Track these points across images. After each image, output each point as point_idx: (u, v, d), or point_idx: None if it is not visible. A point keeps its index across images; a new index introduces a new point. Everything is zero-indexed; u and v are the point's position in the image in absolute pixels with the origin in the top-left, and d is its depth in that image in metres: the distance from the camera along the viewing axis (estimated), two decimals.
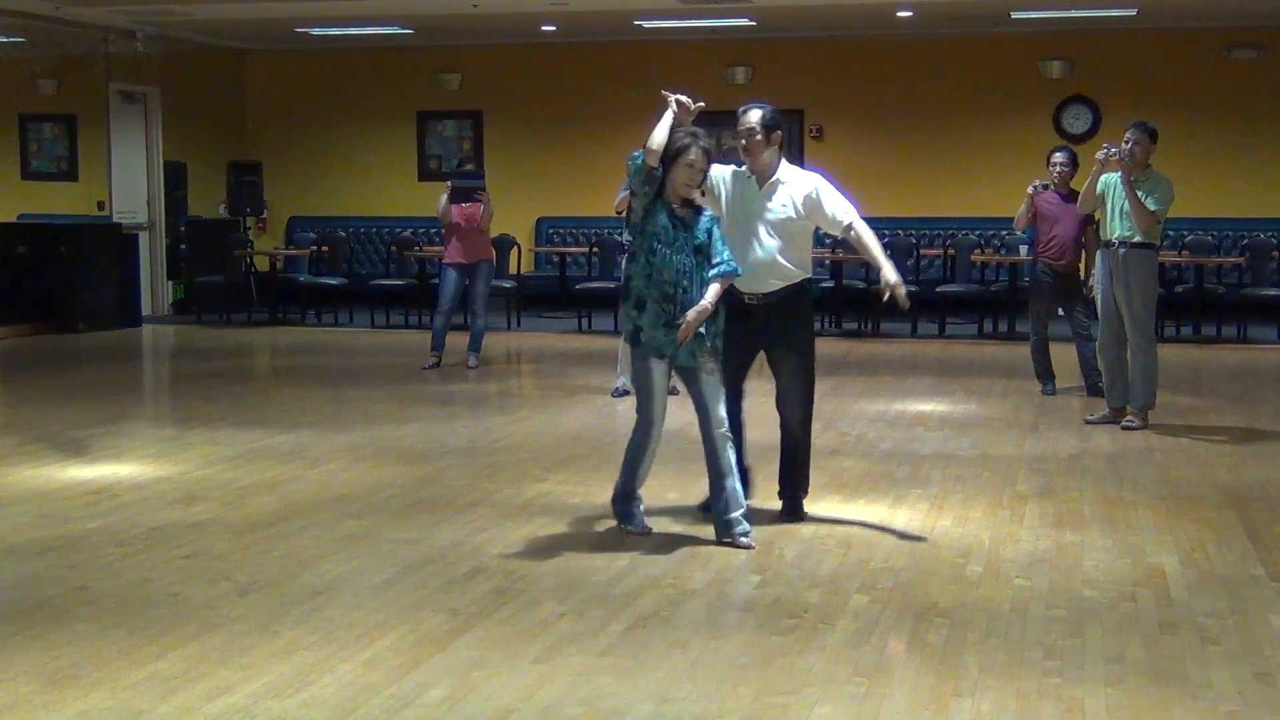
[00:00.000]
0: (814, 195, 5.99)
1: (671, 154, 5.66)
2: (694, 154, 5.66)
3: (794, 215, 5.97)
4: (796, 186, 6.01)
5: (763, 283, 5.96)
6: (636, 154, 5.68)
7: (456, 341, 11.57)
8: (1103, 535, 5.94)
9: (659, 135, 5.64)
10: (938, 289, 14.23)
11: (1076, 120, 15.41)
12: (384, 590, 5.10)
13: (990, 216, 14.74)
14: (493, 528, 6.02)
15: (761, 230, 5.97)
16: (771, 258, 5.95)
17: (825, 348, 12.89)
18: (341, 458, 7.60)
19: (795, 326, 6.07)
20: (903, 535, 5.93)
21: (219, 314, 15.34)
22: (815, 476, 6.67)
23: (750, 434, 8.32)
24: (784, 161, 6.14)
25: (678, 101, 5.78)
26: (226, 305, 15.39)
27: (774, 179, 6.02)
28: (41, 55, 15.76)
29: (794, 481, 6.23)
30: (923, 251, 15.23)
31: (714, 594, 5.07)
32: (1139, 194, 8.32)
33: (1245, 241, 14.40)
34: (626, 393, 8.80)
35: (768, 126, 6.02)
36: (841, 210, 6.00)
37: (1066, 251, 9.78)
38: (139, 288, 15.30)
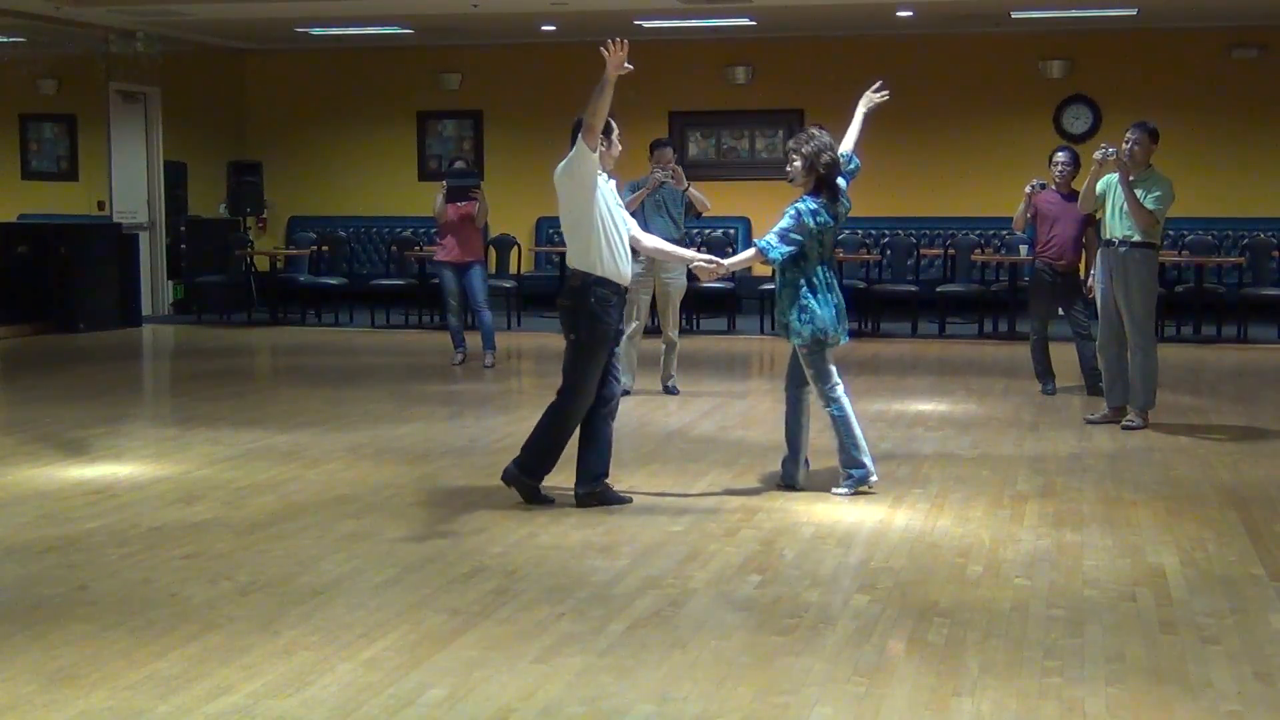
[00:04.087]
0: None
1: None
2: None
3: None
4: None
5: None
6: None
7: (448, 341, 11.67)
8: (1103, 535, 5.94)
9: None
10: (938, 289, 14.24)
11: (1076, 120, 15.41)
12: (384, 590, 5.10)
13: (990, 216, 14.74)
14: (493, 528, 6.02)
15: None
16: None
17: None
18: (341, 458, 7.59)
19: None
20: (903, 535, 5.93)
21: (219, 314, 15.34)
22: (816, 475, 6.69)
23: (749, 433, 8.35)
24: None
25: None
26: (226, 305, 15.39)
27: None
28: (41, 55, 15.77)
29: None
30: (923, 251, 15.25)
31: (714, 594, 5.07)
32: (1139, 193, 8.33)
33: (1245, 241, 14.40)
34: (627, 392, 8.80)
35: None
36: None
37: (1066, 251, 9.78)
38: (139, 288, 15.30)
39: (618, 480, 6.71)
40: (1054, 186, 9.85)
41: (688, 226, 10.40)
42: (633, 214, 9.50)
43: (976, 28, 15.31)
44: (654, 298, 9.86)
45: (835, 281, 6.68)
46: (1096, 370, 9.29)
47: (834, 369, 6.65)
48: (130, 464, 7.49)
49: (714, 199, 10.58)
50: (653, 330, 10.39)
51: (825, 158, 6.51)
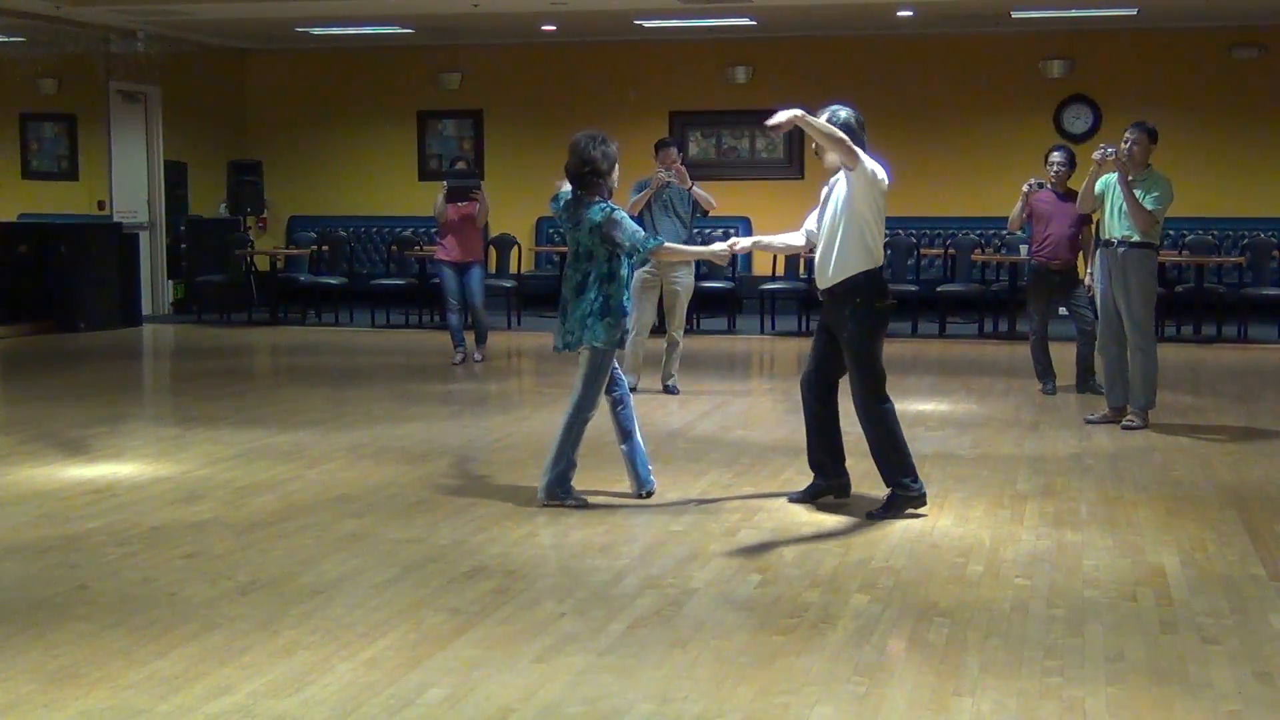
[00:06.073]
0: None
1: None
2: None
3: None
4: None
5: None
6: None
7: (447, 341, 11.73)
8: (1103, 535, 5.94)
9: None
10: (938, 289, 14.25)
11: (1076, 120, 15.41)
12: (384, 590, 5.10)
13: (990, 216, 14.72)
14: (493, 528, 6.02)
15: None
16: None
17: None
18: (341, 458, 7.60)
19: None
20: (903, 535, 5.93)
21: (219, 314, 15.34)
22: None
23: (749, 433, 8.35)
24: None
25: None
26: (227, 305, 15.39)
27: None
28: (41, 55, 15.77)
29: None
30: (923, 251, 15.25)
31: (714, 594, 5.07)
32: (1138, 193, 8.32)
33: (1245, 241, 14.40)
34: (632, 389, 8.78)
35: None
36: None
37: (1061, 251, 9.78)
38: (139, 287, 15.31)
39: (616, 481, 6.71)
40: (1049, 186, 9.86)
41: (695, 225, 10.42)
42: (640, 215, 9.55)
43: (976, 28, 15.30)
44: (661, 297, 9.90)
45: (570, 290, 6.41)
46: (1091, 370, 9.28)
47: (581, 384, 6.48)
48: (130, 464, 7.49)
49: (714, 198, 10.57)
50: (657, 329, 10.38)
51: (572, 163, 6.44)
